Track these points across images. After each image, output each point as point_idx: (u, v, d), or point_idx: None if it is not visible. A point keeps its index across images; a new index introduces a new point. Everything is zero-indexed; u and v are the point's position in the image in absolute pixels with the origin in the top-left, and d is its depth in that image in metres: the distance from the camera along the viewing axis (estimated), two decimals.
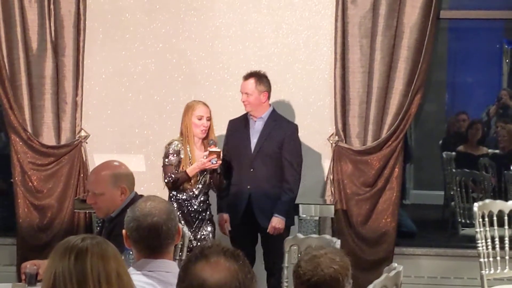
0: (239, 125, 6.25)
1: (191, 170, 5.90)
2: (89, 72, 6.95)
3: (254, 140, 6.19)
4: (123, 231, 3.33)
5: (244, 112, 6.28)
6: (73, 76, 6.86)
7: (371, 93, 6.62)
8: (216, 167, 5.89)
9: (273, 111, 6.26)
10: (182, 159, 5.95)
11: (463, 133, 9.33)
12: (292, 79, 6.85)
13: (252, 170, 6.14)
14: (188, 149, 5.95)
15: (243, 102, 6.17)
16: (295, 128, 6.25)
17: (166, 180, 5.96)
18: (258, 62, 6.83)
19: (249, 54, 6.86)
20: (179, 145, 5.96)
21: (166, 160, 5.97)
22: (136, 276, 3.07)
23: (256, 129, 6.22)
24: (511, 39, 11.34)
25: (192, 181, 5.96)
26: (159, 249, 3.27)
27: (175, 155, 5.95)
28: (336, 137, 6.72)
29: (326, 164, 6.76)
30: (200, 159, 5.88)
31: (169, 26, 6.91)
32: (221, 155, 5.90)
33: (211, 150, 5.86)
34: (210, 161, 5.83)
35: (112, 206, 4.45)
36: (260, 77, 6.18)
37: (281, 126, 6.22)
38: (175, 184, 5.93)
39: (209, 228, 6.04)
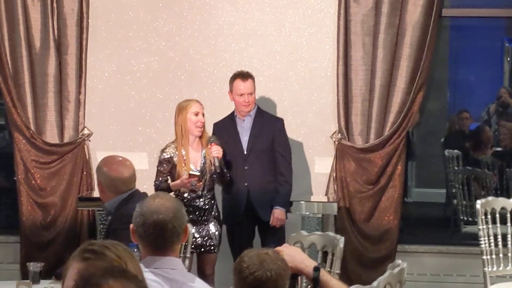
0: (227, 126, 6.25)
1: (173, 185, 5.94)
2: (92, 70, 6.96)
3: (245, 139, 6.22)
4: (131, 225, 3.34)
5: (228, 112, 6.31)
6: (76, 74, 6.87)
7: (373, 91, 6.64)
8: (197, 189, 5.89)
9: (258, 107, 6.31)
10: (176, 163, 5.93)
11: (464, 131, 9.34)
12: (294, 77, 6.86)
13: (246, 168, 6.18)
14: (183, 152, 5.92)
15: (247, 102, 6.17)
16: (282, 121, 6.33)
17: (154, 184, 6.02)
18: (261, 60, 6.85)
19: (251, 52, 6.87)
20: (172, 151, 5.94)
21: (158, 166, 6.02)
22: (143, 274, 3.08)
23: (245, 127, 6.25)
24: None
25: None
26: (164, 247, 3.27)
27: (167, 163, 5.96)
28: (339, 134, 6.73)
29: (329, 161, 6.77)
30: (182, 178, 5.86)
31: (172, 24, 6.93)
32: (202, 179, 5.90)
33: (190, 173, 5.85)
34: (189, 183, 5.83)
35: (100, 193, 4.69)
36: (252, 76, 6.21)
37: (270, 121, 6.29)
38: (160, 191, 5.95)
39: (215, 226, 6.03)
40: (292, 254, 3.06)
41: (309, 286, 3.48)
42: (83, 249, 2.48)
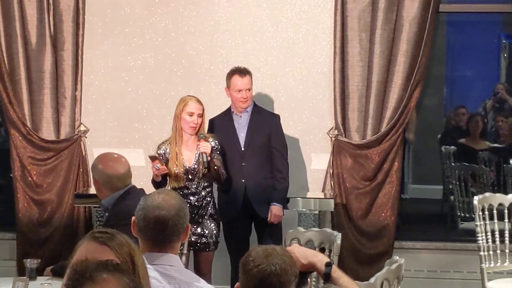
0: (223, 122, 6.22)
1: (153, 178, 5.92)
2: (88, 66, 6.95)
3: (242, 135, 6.20)
4: (133, 217, 3.33)
5: (224, 108, 6.30)
6: (72, 70, 6.86)
7: (370, 87, 6.62)
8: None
9: (255, 103, 6.29)
10: (169, 159, 5.91)
11: (462, 127, 9.33)
12: (291, 73, 6.85)
13: (243, 164, 6.16)
14: (176, 148, 5.90)
15: (245, 99, 6.14)
16: (278, 118, 6.32)
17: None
18: (257, 56, 6.83)
19: (248, 48, 6.85)
20: (166, 147, 5.93)
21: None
22: None
23: (242, 123, 6.22)
24: (509, 33, 11.35)
25: (179, 180, 5.92)
26: (162, 243, 3.27)
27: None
28: (336, 131, 6.72)
29: (326, 158, 6.76)
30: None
31: (168, 20, 6.91)
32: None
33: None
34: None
35: (96, 191, 4.72)
36: (250, 72, 6.19)
37: (266, 117, 6.28)
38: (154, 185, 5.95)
39: (211, 225, 5.97)
40: (304, 250, 3.08)
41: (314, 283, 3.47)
42: (93, 231, 2.54)
